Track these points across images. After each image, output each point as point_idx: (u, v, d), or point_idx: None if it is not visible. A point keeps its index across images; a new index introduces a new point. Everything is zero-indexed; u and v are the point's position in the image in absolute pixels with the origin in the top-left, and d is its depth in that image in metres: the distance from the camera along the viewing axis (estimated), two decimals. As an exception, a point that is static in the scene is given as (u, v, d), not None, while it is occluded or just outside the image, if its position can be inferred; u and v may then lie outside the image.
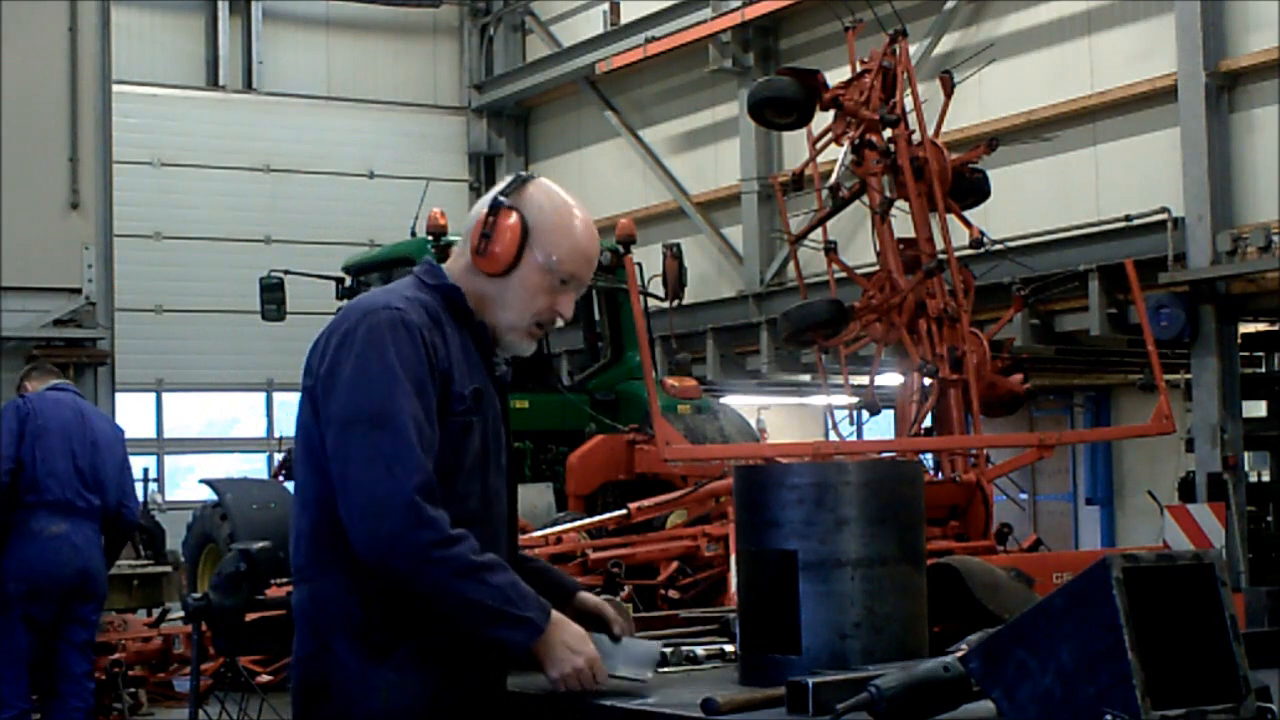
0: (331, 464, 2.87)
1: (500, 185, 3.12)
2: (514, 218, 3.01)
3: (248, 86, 19.37)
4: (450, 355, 2.96)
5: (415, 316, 2.93)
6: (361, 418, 2.84)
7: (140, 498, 14.87)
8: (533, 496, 10.05)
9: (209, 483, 13.18)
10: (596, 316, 12.42)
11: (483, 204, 3.08)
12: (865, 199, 10.19)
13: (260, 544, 4.96)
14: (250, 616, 4.81)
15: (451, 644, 2.89)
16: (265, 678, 9.88)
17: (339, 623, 2.92)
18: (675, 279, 12.01)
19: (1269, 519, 13.41)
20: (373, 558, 2.81)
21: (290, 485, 13.11)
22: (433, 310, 2.98)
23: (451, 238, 11.50)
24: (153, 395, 18.55)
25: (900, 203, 10.11)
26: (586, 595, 3.29)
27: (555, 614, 2.90)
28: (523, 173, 3.15)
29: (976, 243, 10.07)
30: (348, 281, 12.61)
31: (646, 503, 8.67)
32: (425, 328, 2.93)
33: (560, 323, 3.11)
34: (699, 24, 16.71)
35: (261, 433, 19.20)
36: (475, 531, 2.88)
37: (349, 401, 2.86)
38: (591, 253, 3.08)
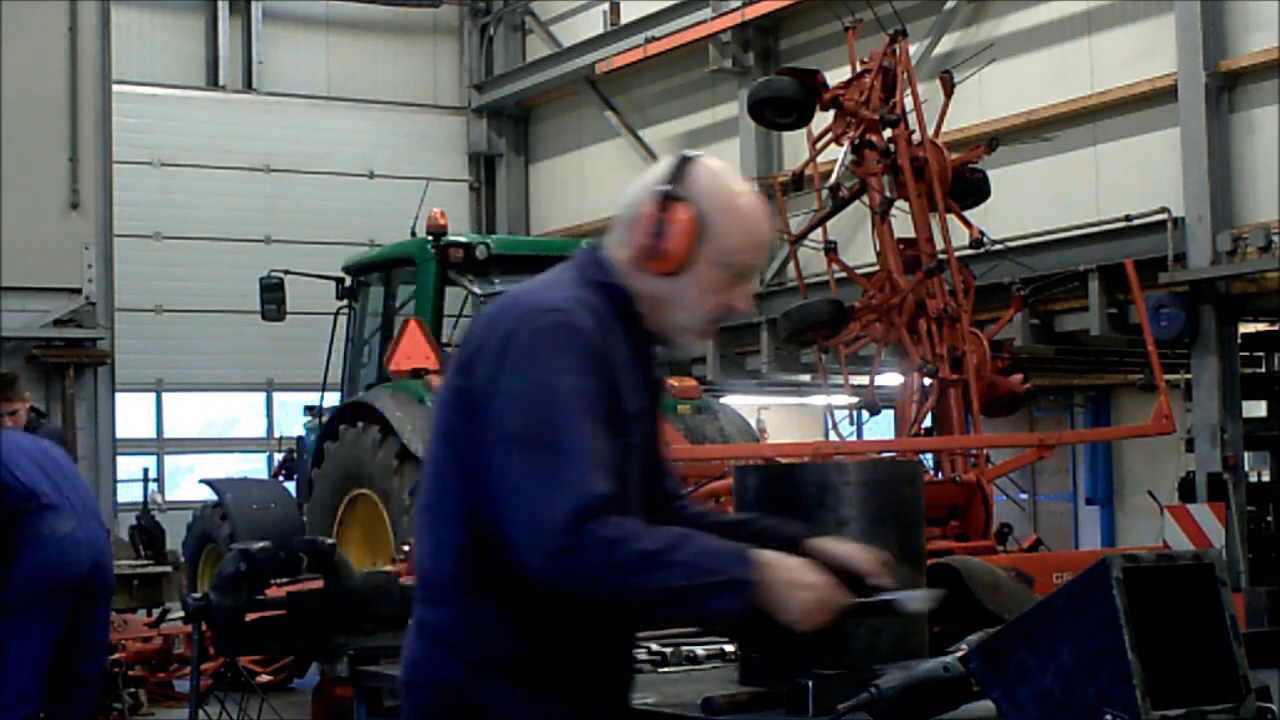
0: (493, 483, 2.64)
1: (660, 170, 2.82)
2: (686, 211, 2.74)
3: (248, 86, 19.36)
4: (618, 366, 2.71)
5: (583, 320, 2.67)
6: (524, 437, 2.59)
7: (140, 497, 14.93)
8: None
9: (209, 483, 13.16)
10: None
11: (644, 193, 2.80)
12: (865, 199, 10.18)
13: (260, 544, 4.96)
14: (250, 616, 4.81)
15: (605, 668, 2.80)
16: (265, 678, 9.90)
17: (499, 652, 2.70)
18: (675, 279, 11.99)
19: (1269, 519, 13.41)
20: (546, 586, 2.60)
21: (291, 486, 13.18)
22: (600, 313, 2.71)
23: (452, 238, 11.50)
24: (153, 395, 18.53)
25: (900, 203, 10.10)
26: (819, 542, 2.88)
27: (763, 556, 2.60)
28: (685, 153, 2.85)
29: (976, 243, 10.07)
30: (348, 281, 12.59)
31: (646, 503, 8.64)
32: (595, 334, 2.68)
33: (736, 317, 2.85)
34: (699, 24, 16.70)
35: (261, 433, 19.17)
36: None
37: (512, 417, 2.62)
38: (766, 239, 2.84)
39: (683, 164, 2.79)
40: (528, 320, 2.66)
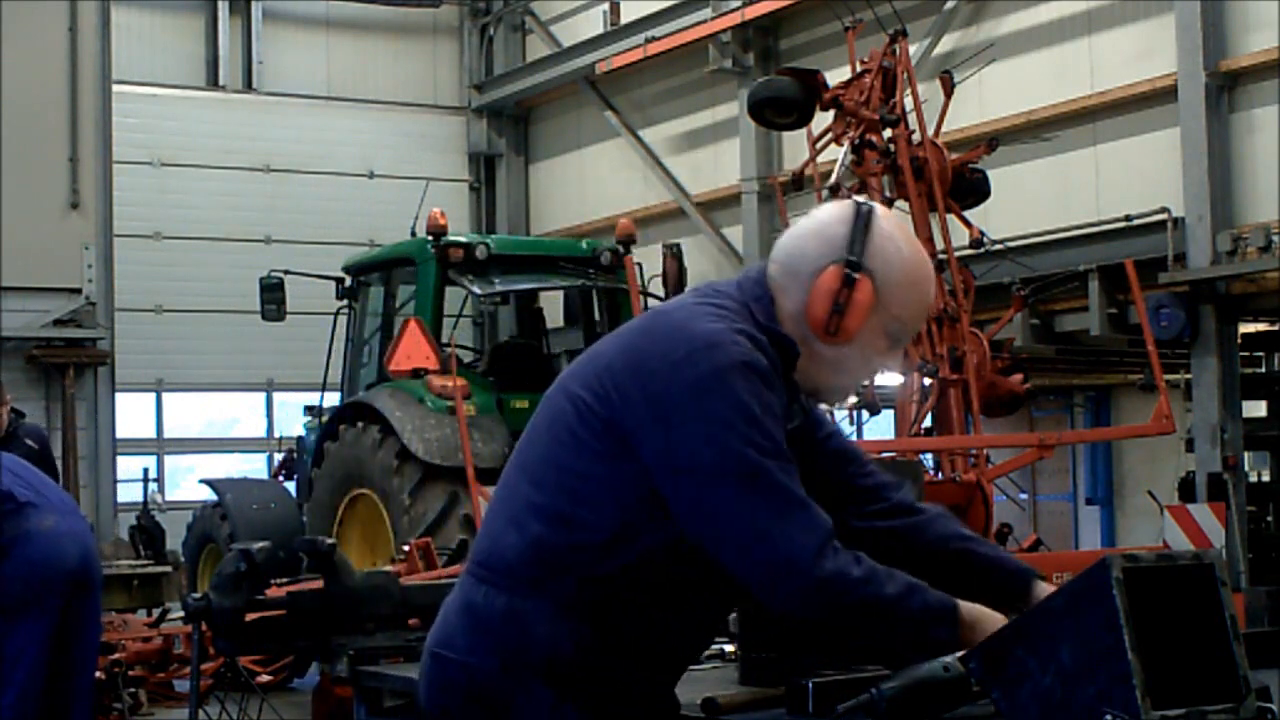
0: (693, 518, 2.63)
1: (840, 227, 2.74)
2: (868, 288, 2.69)
3: (248, 86, 19.36)
4: (781, 415, 2.71)
5: (761, 361, 2.65)
6: (731, 473, 2.58)
7: (140, 497, 14.93)
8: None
9: (209, 483, 13.17)
10: (596, 316, 12.42)
11: (825, 251, 2.73)
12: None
13: (260, 544, 4.95)
14: (250, 616, 4.80)
15: (647, 676, 2.78)
16: (265, 678, 9.89)
17: (541, 652, 2.70)
18: (675, 279, 12.01)
19: (1269, 519, 13.42)
20: (785, 613, 2.66)
21: (291, 486, 13.18)
22: (770, 357, 2.68)
23: (452, 238, 11.50)
24: (153, 395, 18.53)
25: (900, 203, 10.10)
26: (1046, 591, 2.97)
27: (970, 617, 2.69)
28: (860, 202, 2.79)
29: (976, 243, 10.08)
30: (348, 281, 12.59)
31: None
32: (772, 377, 2.66)
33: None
34: (699, 24, 16.70)
35: (261, 433, 19.17)
36: None
37: (708, 452, 2.59)
38: (931, 300, 2.86)
39: (863, 225, 2.73)
40: (704, 351, 2.62)
